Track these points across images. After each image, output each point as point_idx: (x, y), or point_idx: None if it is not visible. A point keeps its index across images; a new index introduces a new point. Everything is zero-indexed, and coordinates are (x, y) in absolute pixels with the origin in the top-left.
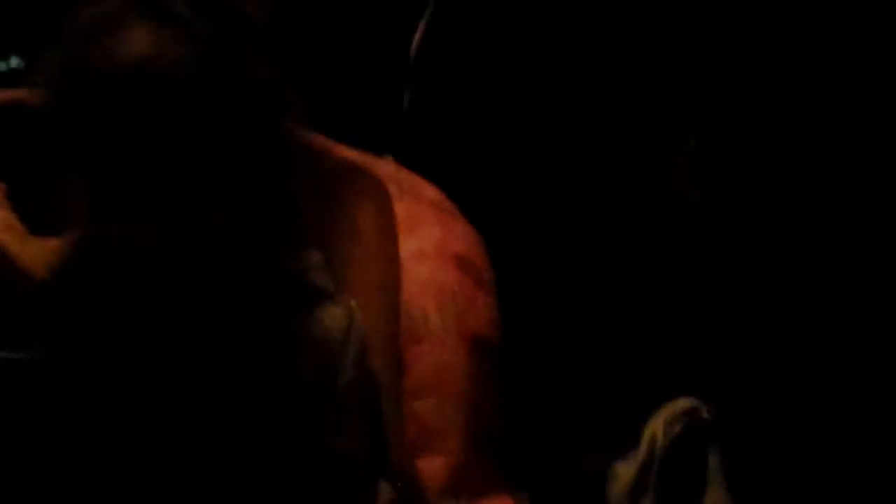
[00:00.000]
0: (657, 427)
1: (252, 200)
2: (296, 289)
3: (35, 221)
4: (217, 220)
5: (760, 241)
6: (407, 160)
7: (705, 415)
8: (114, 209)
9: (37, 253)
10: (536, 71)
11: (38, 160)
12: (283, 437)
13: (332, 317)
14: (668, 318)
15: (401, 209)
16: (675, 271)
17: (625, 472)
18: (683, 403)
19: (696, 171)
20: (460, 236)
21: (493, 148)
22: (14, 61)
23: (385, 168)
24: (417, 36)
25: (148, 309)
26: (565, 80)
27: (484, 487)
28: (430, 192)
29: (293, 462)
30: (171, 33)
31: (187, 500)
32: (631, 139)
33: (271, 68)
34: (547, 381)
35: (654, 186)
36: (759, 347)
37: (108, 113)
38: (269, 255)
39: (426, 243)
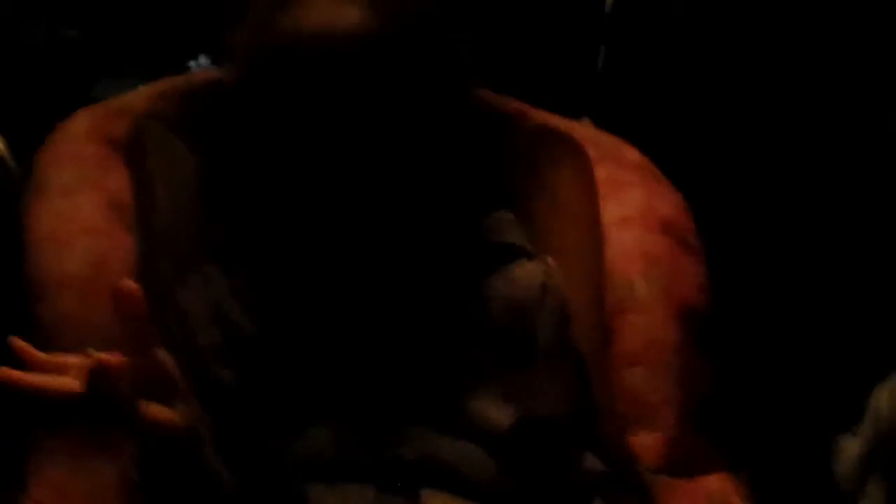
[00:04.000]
0: (882, 397)
1: (439, 161)
2: (486, 247)
3: (230, 197)
4: (406, 182)
5: None
6: (605, 122)
7: None
8: (306, 177)
9: None
10: (734, 24)
11: (237, 136)
12: (482, 397)
13: (527, 273)
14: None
15: (602, 173)
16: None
17: (851, 447)
18: None
19: None
20: (665, 200)
21: (695, 106)
22: (202, 60)
23: (583, 131)
24: None
25: (346, 275)
26: (765, 39)
27: (700, 464)
28: (632, 154)
29: (492, 424)
30: None
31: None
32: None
33: (457, 30)
34: (761, 350)
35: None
36: None
37: (298, 81)
38: (455, 213)
39: (629, 208)
